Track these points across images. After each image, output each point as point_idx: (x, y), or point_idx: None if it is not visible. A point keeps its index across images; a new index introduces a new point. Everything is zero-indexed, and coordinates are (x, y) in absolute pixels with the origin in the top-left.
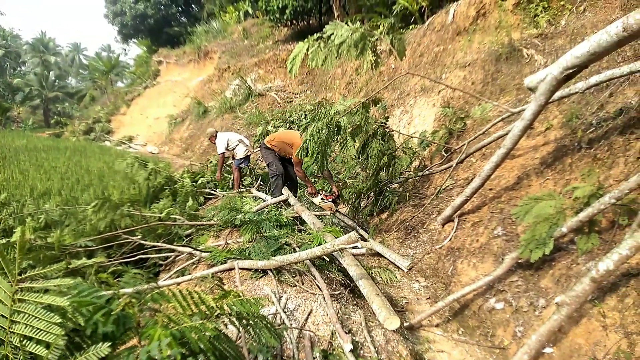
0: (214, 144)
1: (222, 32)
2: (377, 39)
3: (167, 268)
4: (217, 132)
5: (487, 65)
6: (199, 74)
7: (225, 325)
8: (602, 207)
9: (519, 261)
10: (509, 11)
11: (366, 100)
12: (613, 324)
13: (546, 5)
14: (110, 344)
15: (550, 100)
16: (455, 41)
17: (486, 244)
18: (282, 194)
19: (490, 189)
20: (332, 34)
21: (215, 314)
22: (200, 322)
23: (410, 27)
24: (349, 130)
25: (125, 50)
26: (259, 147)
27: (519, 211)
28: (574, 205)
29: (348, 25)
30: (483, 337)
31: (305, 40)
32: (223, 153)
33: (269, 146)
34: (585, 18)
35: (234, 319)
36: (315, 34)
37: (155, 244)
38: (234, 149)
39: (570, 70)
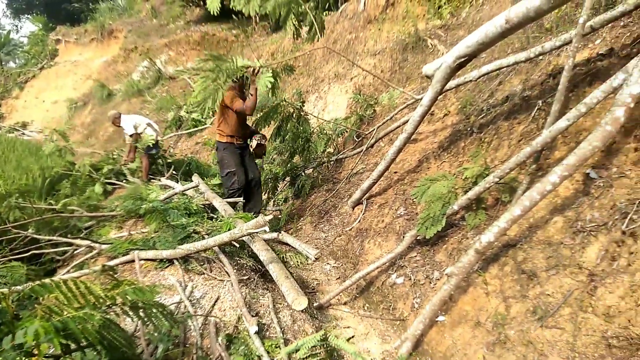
0: (119, 126)
1: (128, 10)
2: (302, 11)
3: (66, 263)
4: (120, 113)
5: (394, 53)
6: (102, 55)
7: (118, 315)
8: (487, 185)
9: (418, 238)
10: (415, 1)
11: (277, 64)
12: (494, 290)
13: None
14: None
15: (448, 88)
16: (367, 29)
17: (390, 224)
18: (193, 181)
19: (395, 172)
20: None
21: (106, 304)
22: (84, 312)
23: (324, 14)
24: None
25: (17, 27)
26: (215, 150)
27: (417, 192)
28: (465, 185)
29: None
30: (386, 311)
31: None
32: (135, 133)
33: (225, 141)
34: (484, 11)
35: (126, 309)
36: None
37: (51, 237)
38: (141, 133)
39: (462, 59)
